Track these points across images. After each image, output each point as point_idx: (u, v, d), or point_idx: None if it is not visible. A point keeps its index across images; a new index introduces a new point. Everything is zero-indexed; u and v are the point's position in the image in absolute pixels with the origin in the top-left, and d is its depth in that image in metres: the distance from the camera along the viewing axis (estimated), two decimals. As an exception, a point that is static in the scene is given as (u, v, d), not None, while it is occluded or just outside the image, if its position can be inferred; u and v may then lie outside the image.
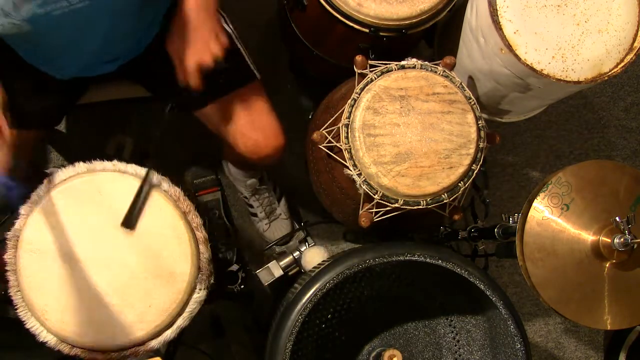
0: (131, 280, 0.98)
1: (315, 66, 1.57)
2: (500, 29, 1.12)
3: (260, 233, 1.72)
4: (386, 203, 1.06)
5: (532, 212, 1.01)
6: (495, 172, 1.88)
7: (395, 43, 1.23)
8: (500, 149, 1.89)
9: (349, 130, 1.07)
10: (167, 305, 0.99)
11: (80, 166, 1.03)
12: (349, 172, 1.08)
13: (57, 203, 0.99)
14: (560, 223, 1.01)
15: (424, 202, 1.06)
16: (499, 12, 1.13)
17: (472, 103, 1.09)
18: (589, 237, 1.00)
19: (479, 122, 1.09)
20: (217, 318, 1.59)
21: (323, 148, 1.11)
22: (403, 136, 1.06)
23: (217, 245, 1.50)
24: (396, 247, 1.04)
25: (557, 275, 1.00)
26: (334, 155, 1.11)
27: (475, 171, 1.08)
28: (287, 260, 1.49)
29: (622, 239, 0.95)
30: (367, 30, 1.19)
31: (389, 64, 1.11)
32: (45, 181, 1.01)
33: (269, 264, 1.46)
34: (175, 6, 1.02)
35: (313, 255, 1.49)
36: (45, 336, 0.97)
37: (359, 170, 1.07)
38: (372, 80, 1.09)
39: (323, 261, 1.22)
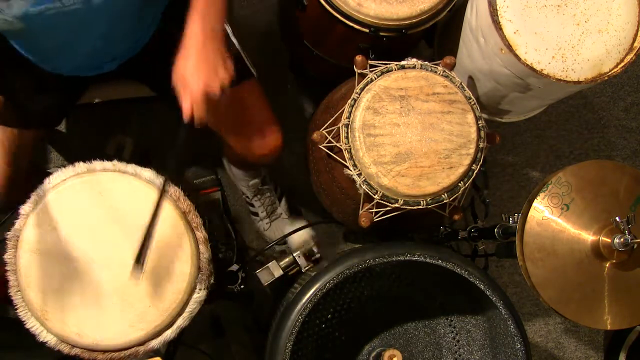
0: (131, 280, 0.98)
1: (315, 66, 1.57)
2: (500, 29, 1.12)
3: (261, 232, 1.72)
4: (386, 203, 1.06)
5: (532, 212, 1.01)
6: (495, 172, 1.88)
7: (395, 43, 1.23)
8: (500, 149, 1.89)
9: (349, 130, 1.07)
10: (167, 305, 0.99)
11: (80, 166, 1.03)
12: (349, 172, 1.08)
13: (57, 203, 0.99)
14: (560, 223, 1.01)
15: (424, 202, 1.06)
16: (499, 12, 1.13)
17: (472, 103, 1.09)
18: (589, 237, 1.00)
19: (479, 122, 1.09)
20: (217, 318, 1.59)
21: (323, 148, 1.11)
22: (403, 136, 1.06)
23: (217, 245, 1.50)
24: (396, 247, 1.04)
25: (557, 275, 1.00)
26: (334, 155, 1.11)
27: (475, 171, 1.08)
28: (287, 260, 1.49)
29: (622, 239, 0.95)
30: (367, 30, 1.19)
31: (389, 64, 1.11)
32: (45, 181, 1.01)
33: (269, 264, 1.46)
34: (176, 5, 1.01)
35: (280, 227, 1.52)
36: (45, 336, 0.97)
37: (359, 170, 1.07)
38: (372, 80, 1.09)
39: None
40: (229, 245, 1.60)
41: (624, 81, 1.98)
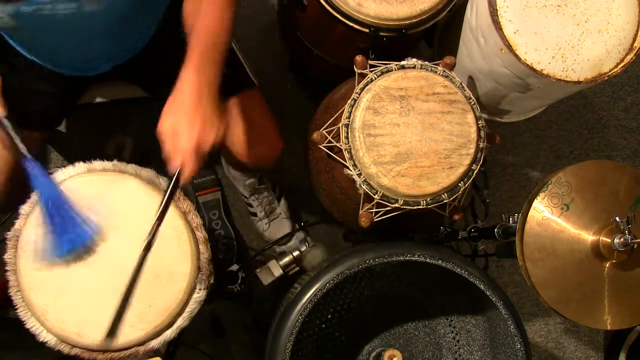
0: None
1: (315, 66, 1.57)
2: (500, 29, 1.13)
3: (260, 233, 1.72)
4: (386, 203, 1.06)
5: (532, 212, 1.01)
6: (495, 172, 1.88)
7: (395, 43, 1.23)
8: (500, 149, 1.89)
9: (349, 130, 1.07)
10: (167, 305, 0.99)
11: (80, 166, 1.02)
12: (349, 172, 1.08)
13: (57, 203, 0.99)
14: (560, 223, 1.01)
15: (424, 202, 1.06)
16: (499, 12, 1.13)
17: (472, 103, 1.09)
18: (589, 237, 1.00)
19: (479, 122, 1.09)
20: (217, 318, 1.59)
21: (323, 148, 1.11)
22: (403, 136, 1.06)
23: (217, 245, 1.50)
24: (396, 247, 1.04)
25: (557, 275, 1.00)
26: (334, 155, 1.11)
27: (475, 171, 1.08)
28: (287, 260, 1.49)
29: (622, 239, 0.95)
30: (367, 30, 1.19)
31: (389, 64, 1.11)
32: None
33: (269, 264, 1.46)
34: (176, 5, 1.01)
35: (314, 256, 1.49)
36: (45, 336, 0.97)
37: (359, 170, 1.07)
38: (372, 80, 1.09)
39: (323, 261, 1.22)
40: (229, 245, 1.61)
41: (624, 81, 1.98)
